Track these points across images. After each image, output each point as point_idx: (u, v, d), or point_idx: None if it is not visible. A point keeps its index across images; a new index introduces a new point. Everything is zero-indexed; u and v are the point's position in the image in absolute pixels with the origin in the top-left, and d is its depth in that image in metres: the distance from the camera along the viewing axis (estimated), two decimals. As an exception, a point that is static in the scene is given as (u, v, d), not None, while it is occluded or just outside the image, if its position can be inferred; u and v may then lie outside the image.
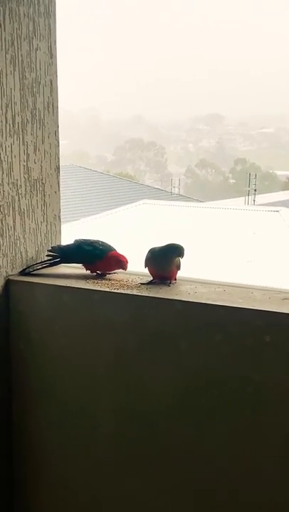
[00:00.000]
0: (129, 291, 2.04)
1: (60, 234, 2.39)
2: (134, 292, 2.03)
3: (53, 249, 2.27)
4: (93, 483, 2.17)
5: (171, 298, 1.97)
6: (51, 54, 2.28)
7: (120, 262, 2.18)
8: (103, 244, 2.23)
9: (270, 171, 49.67)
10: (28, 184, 2.25)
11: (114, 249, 2.21)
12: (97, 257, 2.19)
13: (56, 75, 2.30)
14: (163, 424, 2.02)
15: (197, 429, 1.97)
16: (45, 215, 2.32)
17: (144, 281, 2.10)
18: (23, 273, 2.24)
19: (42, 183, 2.30)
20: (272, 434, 1.86)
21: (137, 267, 2.18)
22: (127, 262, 2.18)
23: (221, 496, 1.96)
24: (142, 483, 2.08)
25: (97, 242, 2.23)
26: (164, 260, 2.08)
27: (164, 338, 1.98)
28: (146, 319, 2.01)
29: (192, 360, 1.94)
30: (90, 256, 2.20)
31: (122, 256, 2.19)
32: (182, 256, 2.08)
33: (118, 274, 2.20)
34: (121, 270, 2.20)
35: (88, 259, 2.21)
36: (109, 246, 2.22)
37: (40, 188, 2.30)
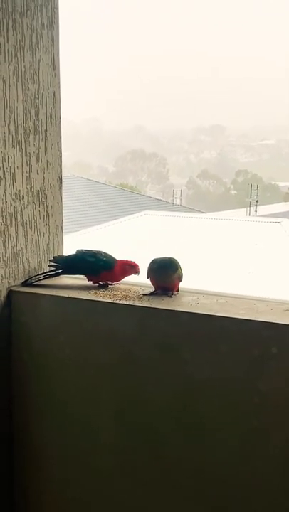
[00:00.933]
0: (131, 302, 2.04)
1: (63, 244, 2.39)
2: (137, 303, 2.03)
3: (55, 260, 2.27)
4: (94, 493, 2.16)
5: (173, 309, 1.97)
6: (54, 65, 2.29)
7: (133, 267, 2.18)
8: (106, 255, 2.23)
9: (272, 183, 49.72)
10: (30, 195, 2.25)
11: (116, 260, 2.22)
12: (103, 268, 2.19)
13: (59, 87, 2.31)
14: (165, 435, 2.01)
15: (199, 441, 1.96)
16: (47, 226, 2.32)
17: (146, 292, 2.10)
18: (25, 284, 2.24)
19: (44, 193, 2.30)
20: (276, 444, 1.85)
21: (138, 277, 2.18)
22: (137, 265, 2.18)
23: (222, 506, 1.95)
24: (142, 493, 2.07)
25: (100, 253, 2.23)
26: (165, 272, 2.08)
27: (166, 349, 1.97)
28: (148, 330, 2.00)
29: (194, 371, 1.93)
30: (93, 267, 2.20)
31: (131, 261, 2.19)
32: (178, 271, 2.08)
33: (120, 285, 2.20)
34: (123, 281, 2.20)
35: (91, 270, 2.21)
36: (112, 256, 2.23)
37: (43, 199, 2.30)
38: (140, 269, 2.19)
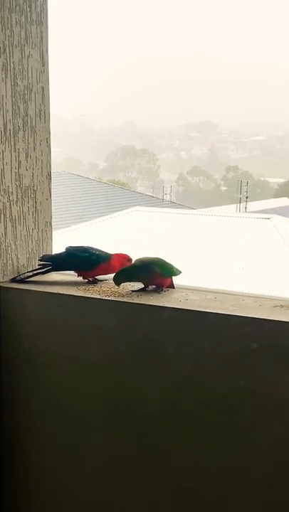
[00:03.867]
0: (120, 299, 2.04)
1: (52, 241, 2.39)
2: (125, 299, 2.03)
3: (43, 259, 2.26)
4: (84, 489, 2.16)
5: (161, 305, 1.97)
6: (43, 61, 2.28)
7: (130, 261, 2.17)
8: (97, 250, 2.23)
9: (262, 179, 49.82)
10: (19, 191, 2.25)
11: (110, 254, 2.21)
12: (97, 261, 2.18)
13: (48, 83, 2.31)
14: (153, 431, 2.02)
15: (187, 436, 1.97)
16: (36, 222, 2.32)
17: (135, 288, 2.11)
18: (14, 280, 2.24)
19: (33, 190, 2.30)
20: (263, 439, 1.86)
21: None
22: (132, 258, 2.18)
23: (211, 502, 1.96)
24: (131, 488, 2.08)
25: (90, 248, 2.23)
26: (144, 272, 2.09)
27: (154, 346, 1.98)
28: (136, 326, 2.01)
29: (183, 367, 1.94)
30: (87, 262, 2.20)
31: (127, 255, 2.19)
32: (161, 269, 2.09)
33: (110, 282, 2.20)
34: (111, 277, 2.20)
35: (84, 265, 2.21)
36: (103, 251, 2.22)
37: (32, 195, 2.30)
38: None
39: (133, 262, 2.13)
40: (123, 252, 2.21)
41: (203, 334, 1.90)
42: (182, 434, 1.97)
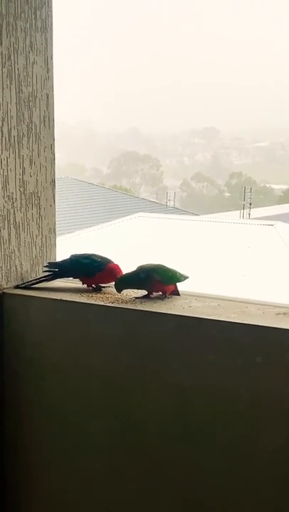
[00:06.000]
0: (123, 305, 2.04)
1: (55, 247, 2.39)
2: (129, 306, 2.03)
3: (49, 265, 2.26)
4: (86, 497, 2.16)
5: (165, 312, 1.97)
6: (48, 68, 2.29)
7: (115, 276, 2.17)
8: (100, 257, 2.23)
9: (266, 185, 49.79)
10: (23, 197, 2.26)
11: (112, 261, 2.21)
12: (97, 269, 2.19)
13: (52, 89, 2.31)
14: (155, 439, 2.01)
15: (188, 445, 1.96)
16: (40, 228, 2.32)
17: (138, 295, 2.11)
18: (18, 287, 2.24)
19: (37, 196, 2.30)
20: (265, 451, 1.85)
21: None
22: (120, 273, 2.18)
23: (212, 509, 1.95)
24: (132, 496, 2.07)
25: (94, 255, 2.23)
26: (144, 280, 2.09)
27: (158, 353, 1.97)
28: (140, 333, 2.00)
29: (186, 375, 1.93)
30: (88, 269, 2.20)
31: (119, 268, 2.19)
32: (161, 276, 2.09)
33: (114, 289, 2.20)
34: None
35: (87, 272, 2.21)
36: (106, 258, 2.22)
37: (36, 202, 2.30)
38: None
39: (135, 269, 2.13)
40: (117, 264, 2.20)
41: (206, 342, 1.90)
42: (184, 443, 1.96)
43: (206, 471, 1.94)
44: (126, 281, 2.10)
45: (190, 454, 1.96)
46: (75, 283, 2.25)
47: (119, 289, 2.10)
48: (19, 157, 2.22)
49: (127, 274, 2.12)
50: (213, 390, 1.89)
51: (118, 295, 2.11)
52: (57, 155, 2.37)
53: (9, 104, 2.18)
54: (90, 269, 2.19)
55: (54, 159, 2.35)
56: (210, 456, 1.93)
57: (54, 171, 2.36)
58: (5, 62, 2.15)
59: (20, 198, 2.25)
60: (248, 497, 1.89)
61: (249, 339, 1.84)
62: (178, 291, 2.13)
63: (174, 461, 1.98)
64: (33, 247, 2.31)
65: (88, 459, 2.14)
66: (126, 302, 2.05)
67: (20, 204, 2.25)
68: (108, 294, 2.15)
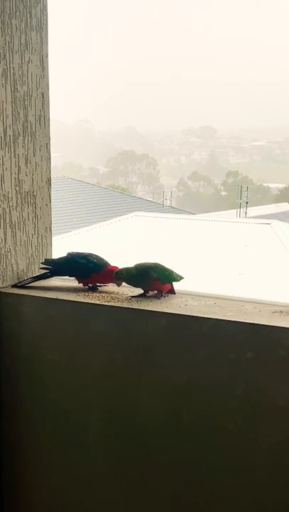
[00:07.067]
0: (119, 304, 2.04)
1: (51, 246, 2.39)
2: (125, 305, 2.03)
3: (46, 262, 2.26)
4: (83, 496, 2.16)
5: (161, 311, 1.97)
6: (43, 67, 2.29)
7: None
8: (97, 257, 2.22)
9: (263, 184, 49.80)
10: (19, 196, 2.25)
11: (108, 263, 2.21)
12: (92, 270, 2.19)
13: (48, 88, 2.31)
14: (151, 437, 2.02)
15: (185, 442, 1.96)
16: (36, 228, 2.32)
17: (134, 294, 2.10)
18: (14, 287, 2.24)
19: (33, 195, 2.30)
20: (259, 447, 1.85)
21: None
22: None
23: (208, 507, 1.96)
24: (135, 495, 2.07)
25: (90, 255, 2.23)
26: (142, 278, 2.09)
27: (154, 351, 1.98)
28: (136, 332, 2.01)
29: (182, 373, 1.94)
30: (84, 269, 2.20)
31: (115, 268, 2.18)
32: (158, 274, 2.08)
33: (109, 287, 2.20)
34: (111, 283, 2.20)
35: (82, 272, 2.20)
36: (103, 259, 2.22)
37: (32, 201, 2.30)
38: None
39: (132, 266, 2.13)
40: (115, 266, 2.20)
41: (202, 340, 1.90)
42: (180, 440, 1.97)
43: (202, 465, 1.94)
44: (125, 274, 2.09)
45: (186, 449, 1.96)
46: (71, 282, 2.24)
47: (118, 279, 2.09)
48: (15, 156, 2.22)
49: (127, 267, 2.11)
50: (209, 387, 1.89)
51: (114, 294, 2.11)
52: (54, 155, 2.37)
53: (4, 103, 2.17)
54: (85, 269, 2.19)
55: (50, 158, 2.35)
56: (205, 451, 1.93)
57: (50, 170, 2.36)
58: (0, 61, 2.15)
59: (16, 197, 2.24)
60: (242, 491, 1.89)
61: (245, 337, 1.84)
62: (174, 290, 2.13)
63: (172, 456, 1.99)
64: (29, 246, 2.30)
65: (86, 457, 2.14)
66: (122, 301, 2.05)
67: (16, 203, 2.25)
68: (104, 293, 2.15)
